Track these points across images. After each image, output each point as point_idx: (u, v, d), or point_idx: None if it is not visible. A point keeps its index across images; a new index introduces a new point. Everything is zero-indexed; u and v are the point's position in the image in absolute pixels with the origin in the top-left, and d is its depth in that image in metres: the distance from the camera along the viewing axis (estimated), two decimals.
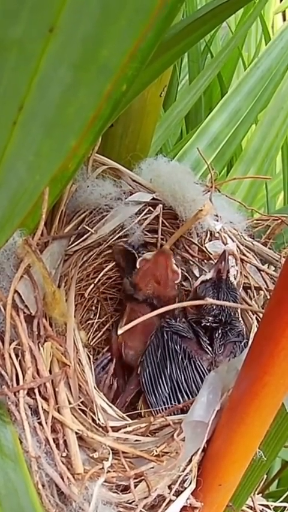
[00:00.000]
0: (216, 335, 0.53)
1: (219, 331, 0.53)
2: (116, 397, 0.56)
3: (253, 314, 0.56)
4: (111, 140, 0.64)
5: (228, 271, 0.55)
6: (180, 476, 0.41)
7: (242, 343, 0.53)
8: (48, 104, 0.22)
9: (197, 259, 0.62)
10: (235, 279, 0.59)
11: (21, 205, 0.35)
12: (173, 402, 0.49)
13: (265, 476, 0.60)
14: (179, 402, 0.48)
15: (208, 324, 0.53)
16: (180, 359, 0.51)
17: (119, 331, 0.47)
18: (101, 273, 0.64)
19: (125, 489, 0.41)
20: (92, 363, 0.47)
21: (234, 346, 0.53)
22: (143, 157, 0.64)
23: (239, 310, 0.57)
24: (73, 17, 0.17)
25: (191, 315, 0.56)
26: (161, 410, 0.47)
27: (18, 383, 0.40)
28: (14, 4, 0.19)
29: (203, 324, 0.53)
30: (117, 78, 0.23)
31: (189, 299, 0.58)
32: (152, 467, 0.41)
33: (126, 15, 0.16)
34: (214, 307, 0.53)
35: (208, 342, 0.53)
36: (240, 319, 0.57)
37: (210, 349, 0.52)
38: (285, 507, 0.61)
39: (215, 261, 0.58)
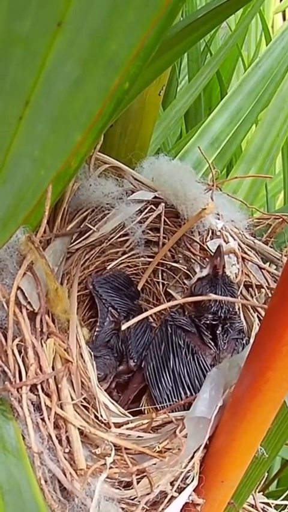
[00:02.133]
0: (218, 332, 0.52)
1: (220, 328, 0.52)
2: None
3: (254, 312, 0.56)
4: (110, 139, 0.64)
5: (224, 267, 0.54)
6: (182, 472, 0.41)
7: (244, 341, 0.53)
8: (55, 99, 0.22)
9: (198, 257, 0.62)
10: (236, 277, 0.59)
11: (25, 202, 0.36)
12: (175, 396, 0.49)
13: (265, 474, 0.60)
14: (181, 397, 0.48)
15: (208, 322, 0.53)
16: (183, 354, 0.50)
17: (123, 327, 0.47)
18: (104, 271, 0.64)
19: (127, 485, 0.41)
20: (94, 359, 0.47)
21: (236, 343, 0.53)
22: (143, 156, 0.64)
23: (237, 306, 0.57)
24: (81, 11, 0.17)
25: (190, 312, 0.55)
26: (163, 407, 0.47)
27: (21, 379, 0.40)
28: None
29: (202, 322, 0.53)
30: (123, 74, 0.23)
31: (185, 297, 0.58)
32: (154, 464, 0.41)
33: (135, 10, 0.16)
34: (213, 304, 0.52)
35: (210, 337, 0.52)
36: (240, 314, 0.57)
37: (213, 344, 0.52)
38: (286, 505, 0.61)
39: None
